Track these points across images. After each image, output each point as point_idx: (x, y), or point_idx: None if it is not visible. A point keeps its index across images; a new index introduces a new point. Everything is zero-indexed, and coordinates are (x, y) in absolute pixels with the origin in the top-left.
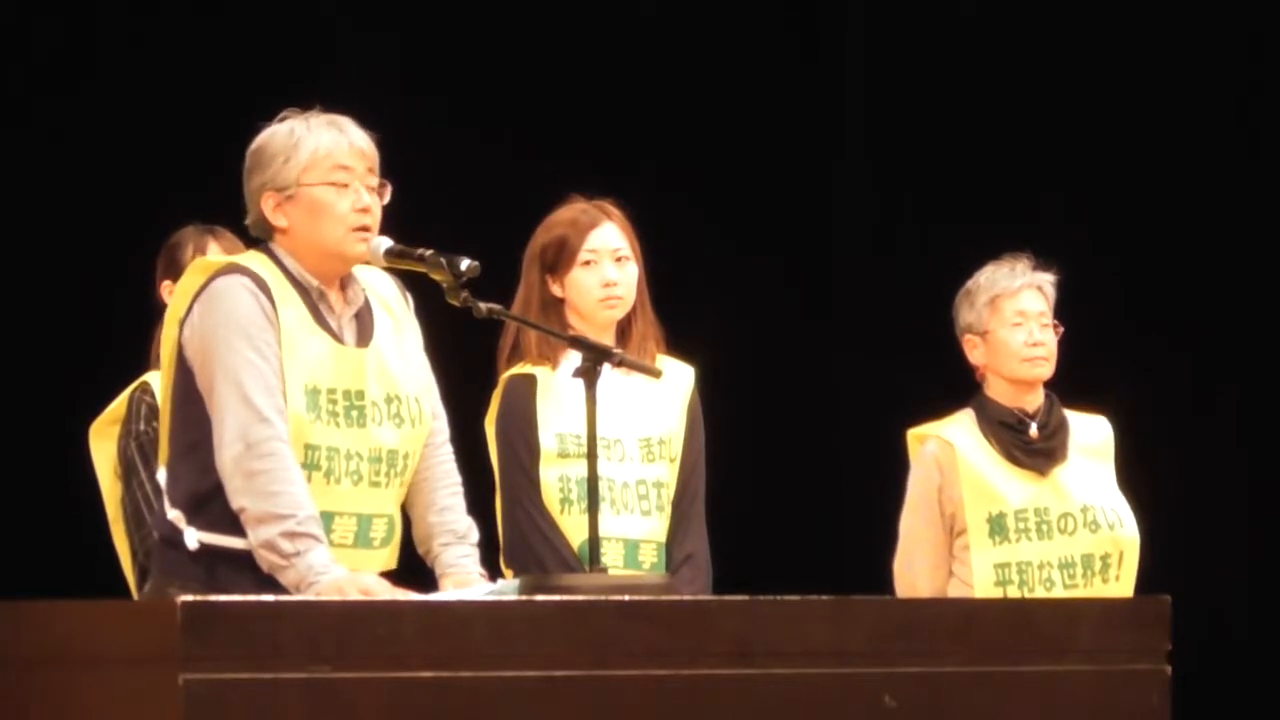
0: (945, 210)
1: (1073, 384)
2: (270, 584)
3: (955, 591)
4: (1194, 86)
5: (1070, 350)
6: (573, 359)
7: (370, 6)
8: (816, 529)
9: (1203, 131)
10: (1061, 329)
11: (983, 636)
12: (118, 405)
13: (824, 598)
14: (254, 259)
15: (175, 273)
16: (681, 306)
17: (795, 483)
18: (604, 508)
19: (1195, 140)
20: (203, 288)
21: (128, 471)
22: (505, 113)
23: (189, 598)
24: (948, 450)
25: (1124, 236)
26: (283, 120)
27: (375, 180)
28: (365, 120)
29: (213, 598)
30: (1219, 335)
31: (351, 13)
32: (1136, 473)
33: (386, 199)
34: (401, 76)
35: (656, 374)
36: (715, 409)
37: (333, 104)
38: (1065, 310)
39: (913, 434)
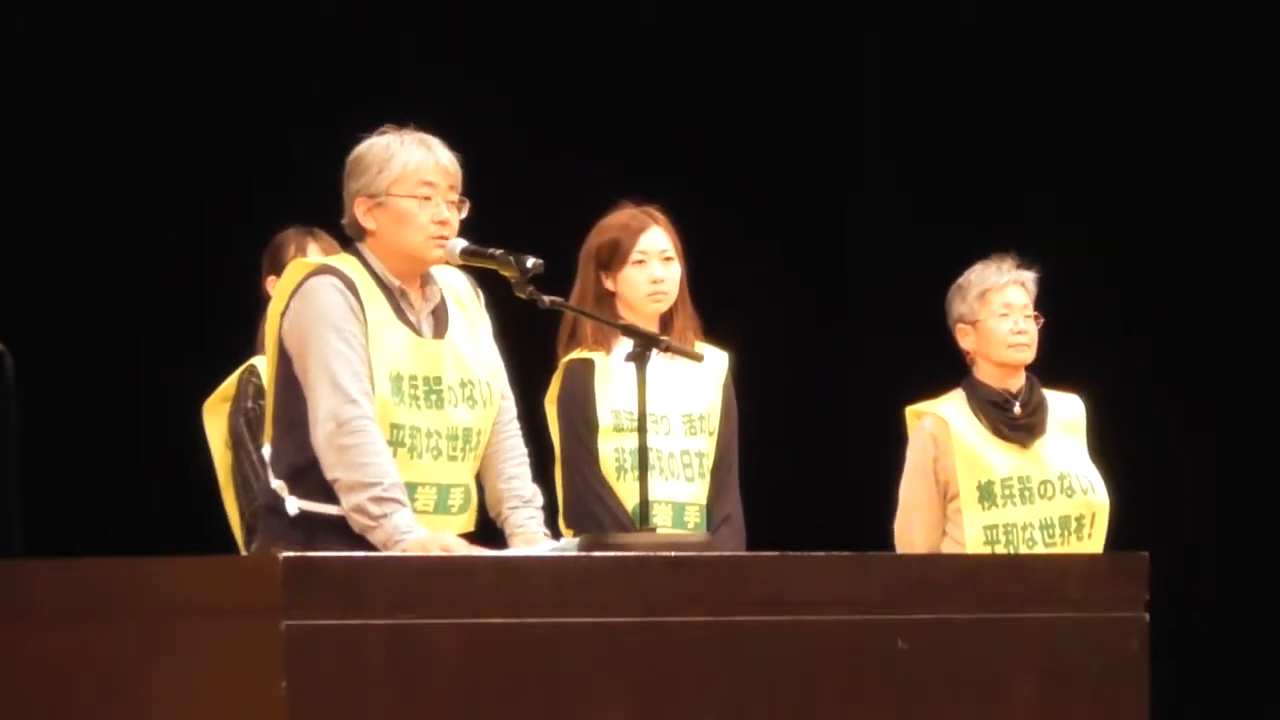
0: (941, 213)
1: (1051, 367)
2: (361, 544)
3: (948, 549)
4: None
5: (1049, 337)
6: (624, 345)
7: (438, 34)
8: (829, 493)
9: (1160, 143)
10: (1042, 319)
11: (982, 588)
12: (228, 385)
13: (844, 553)
14: (344, 261)
15: (278, 269)
16: (717, 300)
17: (813, 452)
18: (653, 475)
19: (1156, 149)
20: (299, 286)
21: (236, 444)
22: (560, 128)
23: (290, 554)
24: (942, 425)
25: (1099, 237)
26: (381, 134)
27: (456, 196)
28: (437, 130)
29: (310, 553)
30: (1183, 324)
31: (419, 36)
32: (1112, 444)
33: (464, 213)
34: (469, 94)
35: (697, 358)
36: (746, 389)
37: (408, 116)
38: (1045, 303)
39: (911, 411)
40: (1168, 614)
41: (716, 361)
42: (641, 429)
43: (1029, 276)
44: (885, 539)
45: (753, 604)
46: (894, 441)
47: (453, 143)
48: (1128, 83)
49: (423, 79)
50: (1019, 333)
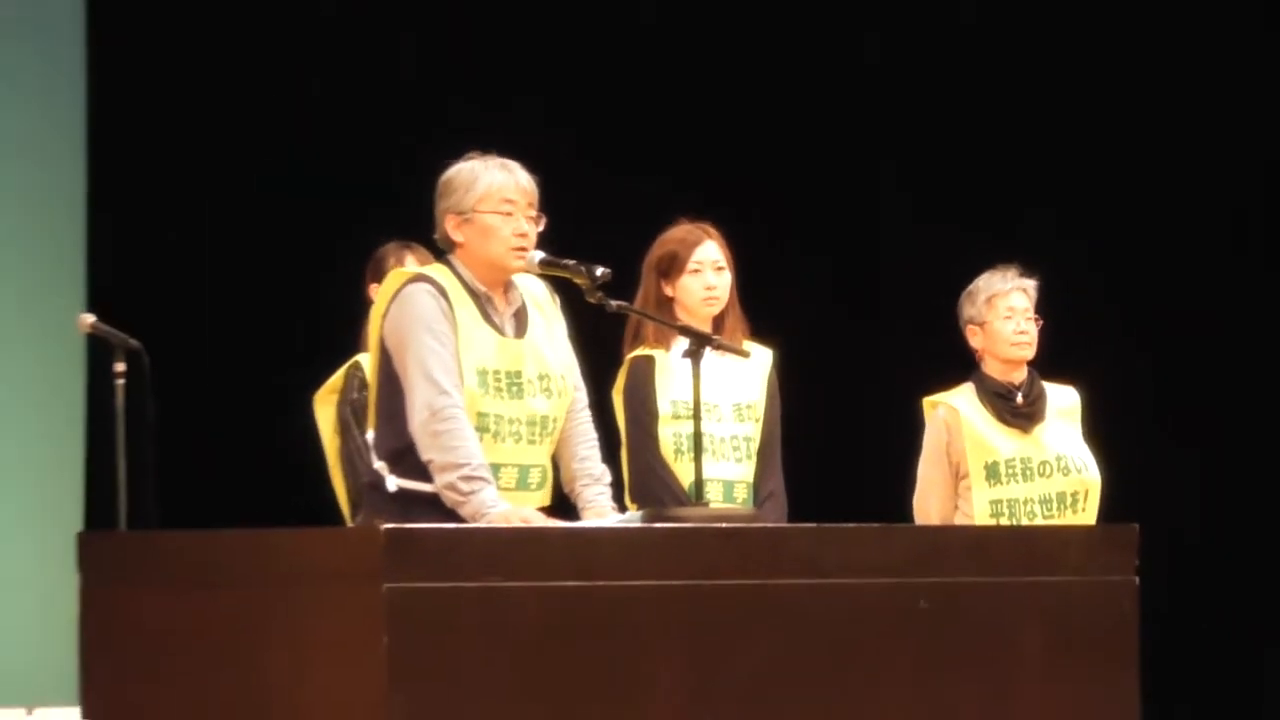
0: (949, 219)
1: (1049, 362)
2: (452, 517)
3: (959, 522)
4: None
5: (1048, 337)
6: (681, 344)
7: (516, 70)
8: (859, 472)
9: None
10: (1041, 321)
11: (994, 555)
12: (336, 378)
13: (873, 525)
14: (437, 270)
15: (379, 277)
16: (762, 304)
17: (844, 437)
18: (706, 457)
19: (1147, 160)
20: (398, 292)
21: (343, 430)
22: (622, 152)
23: (390, 526)
24: (954, 414)
25: (1095, 249)
26: (467, 159)
27: (533, 212)
28: (519, 155)
29: (407, 525)
30: (1168, 323)
31: (497, 73)
32: (1107, 428)
33: (541, 227)
34: (546, 125)
35: (744, 354)
36: (788, 381)
37: (489, 143)
38: (1044, 306)
39: (927, 401)
40: (1154, 578)
41: (762, 357)
42: (696, 416)
43: (1030, 283)
44: (906, 513)
45: (793, 569)
46: (913, 428)
47: (530, 166)
48: (1127, 95)
49: (502, 107)
50: (1021, 333)
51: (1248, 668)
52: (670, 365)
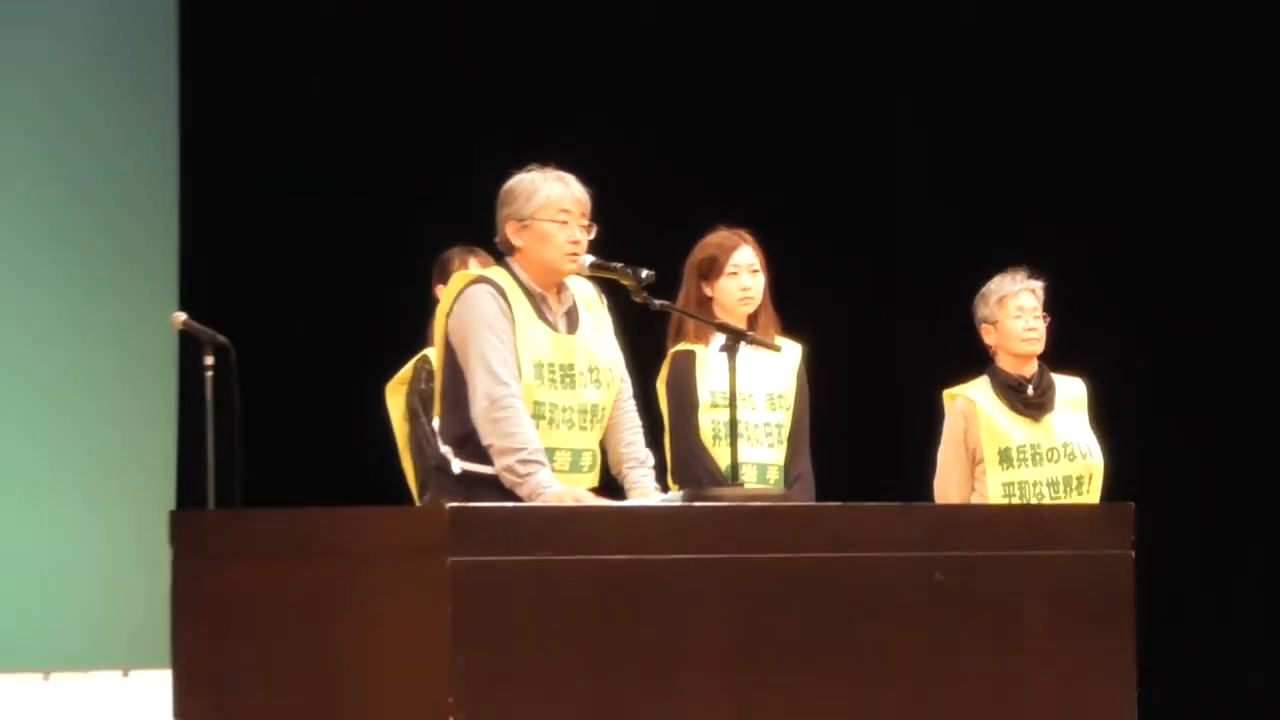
0: (973, 229)
1: (1057, 356)
2: (511, 497)
3: (975, 501)
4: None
5: (1055, 333)
6: (719, 339)
7: (583, 89)
8: (882, 456)
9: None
10: (1049, 318)
11: (1003, 531)
12: (405, 370)
13: (893, 504)
14: (497, 273)
15: (445, 279)
16: (792, 303)
17: (869, 424)
18: (742, 442)
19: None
20: (461, 292)
21: (412, 418)
22: (667, 163)
23: (455, 504)
24: (970, 404)
25: (1095, 253)
26: (527, 171)
27: (586, 221)
28: (574, 167)
29: (470, 504)
30: (1170, 325)
31: (556, 89)
32: (1110, 416)
33: (592, 235)
34: (602, 140)
35: (776, 349)
36: (817, 373)
37: (547, 156)
38: (1051, 305)
39: (946, 393)
40: (1148, 553)
41: (792, 351)
42: (732, 405)
43: (1038, 284)
44: (925, 494)
45: (820, 544)
46: (932, 416)
47: (583, 178)
48: (1131, 108)
49: (562, 124)
50: (1030, 330)
51: (1233, 630)
52: (709, 359)
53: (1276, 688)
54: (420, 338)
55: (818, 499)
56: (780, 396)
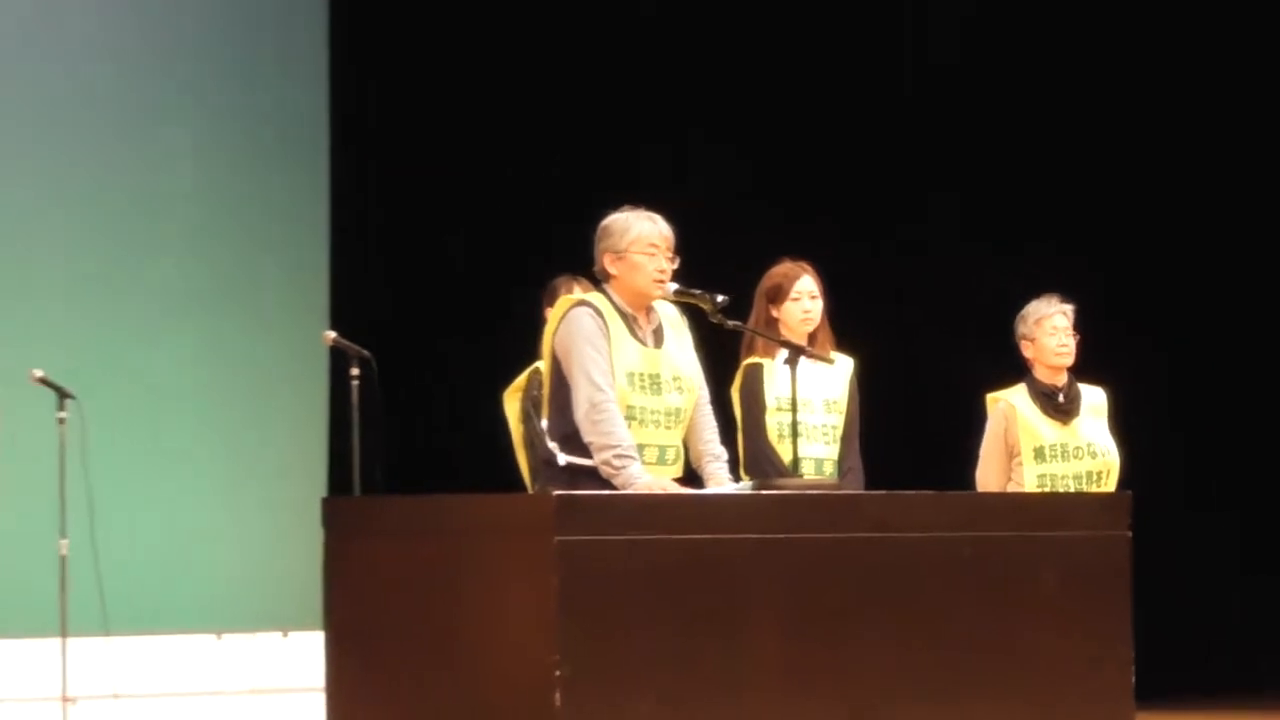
0: (1012, 248)
1: (1084, 368)
2: (608, 486)
3: (1012, 490)
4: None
5: (1083, 349)
6: (783, 354)
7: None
8: (931, 451)
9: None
10: (1078, 336)
11: (1022, 515)
12: (520, 379)
13: (929, 492)
14: (596, 297)
15: (552, 302)
16: (847, 322)
17: (917, 425)
18: (801, 441)
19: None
20: (566, 313)
21: (526, 419)
22: (742, 203)
23: (560, 492)
24: (1011, 407)
25: (1115, 278)
26: (621, 210)
27: (670, 254)
28: (664, 204)
29: (574, 492)
30: (1177, 348)
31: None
32: (1127, 418)
33: (675, 265)
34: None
35: (830, 362)
36: (869, 383)
37: (641, 195)
38: (1081, 325)
39: (990, 397)
40: (1143, 534)
41: (845, 364)
42: (794, 409)
43: (1069, 308)
44: (966, 484)
45: (867, 526)
46: (976, 417)
47: (669, 216)
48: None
49: (656, 169)
50: (1063, 346)
51: (1223, 601)
52: (775, 370)
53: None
54: (532, 351)
55: (866, 488)
56: (835, 402)
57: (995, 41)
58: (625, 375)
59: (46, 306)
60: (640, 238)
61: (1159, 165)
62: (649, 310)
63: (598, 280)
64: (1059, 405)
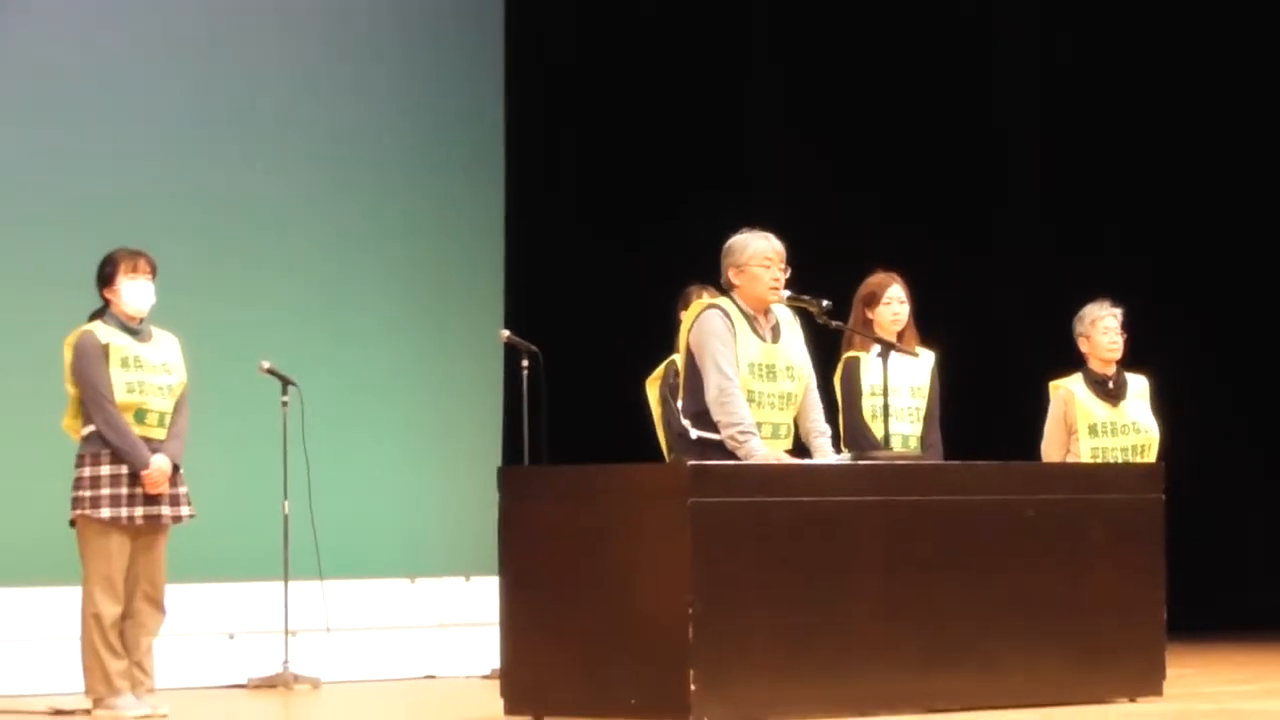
0: (1081, 249)
1: (1132, 360)
2: (733, 457)
3: (1071, 460)
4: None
5: (1130, 345)
6: (876, 349)
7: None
8: (1001, 430)
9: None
10: (1126, 335)
11: (1074, 482)
12: (659, 369)
13: (997, 462)
14: (724, 301)
15: (685, 305)
16: (930, 321)
17: (991, 408)
18: (892, 420)
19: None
20: (699, 314)
21: (664, 402)
22: (840, 218)
23: (693, 462)
24: (1069, 392)
25: (1161, 279)
26: (741, 232)
27: (783, 264)
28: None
29: (704, 462)
30: (1216, 340)
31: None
32: (1166, 404)
33: (788, 275)
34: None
35: (915, 355)
36: (949, 372)
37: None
38: (1128, 324)
39: (1052, 384)
40: (1176, 496)
41: (928, 357)
42: (885, 394)
43: (1119, 311)
44: (1032, 456)
45: (947, 490)
46: (1037, 402)
47: (784, 235)
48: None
49: (765, 188)
50: (1113, 343)
51: (1242, 557)
52: (869, 362)
53: None
54: (669, 346)
55: (945, 459)
56: (919, 388)
57: (1068, 50)
58: (747, 365)
59: (274, 310)
60: (757, 253)
61: (1225, 172)
62: (767, 312)
63: (722, 288)
64: (1109, 390)
